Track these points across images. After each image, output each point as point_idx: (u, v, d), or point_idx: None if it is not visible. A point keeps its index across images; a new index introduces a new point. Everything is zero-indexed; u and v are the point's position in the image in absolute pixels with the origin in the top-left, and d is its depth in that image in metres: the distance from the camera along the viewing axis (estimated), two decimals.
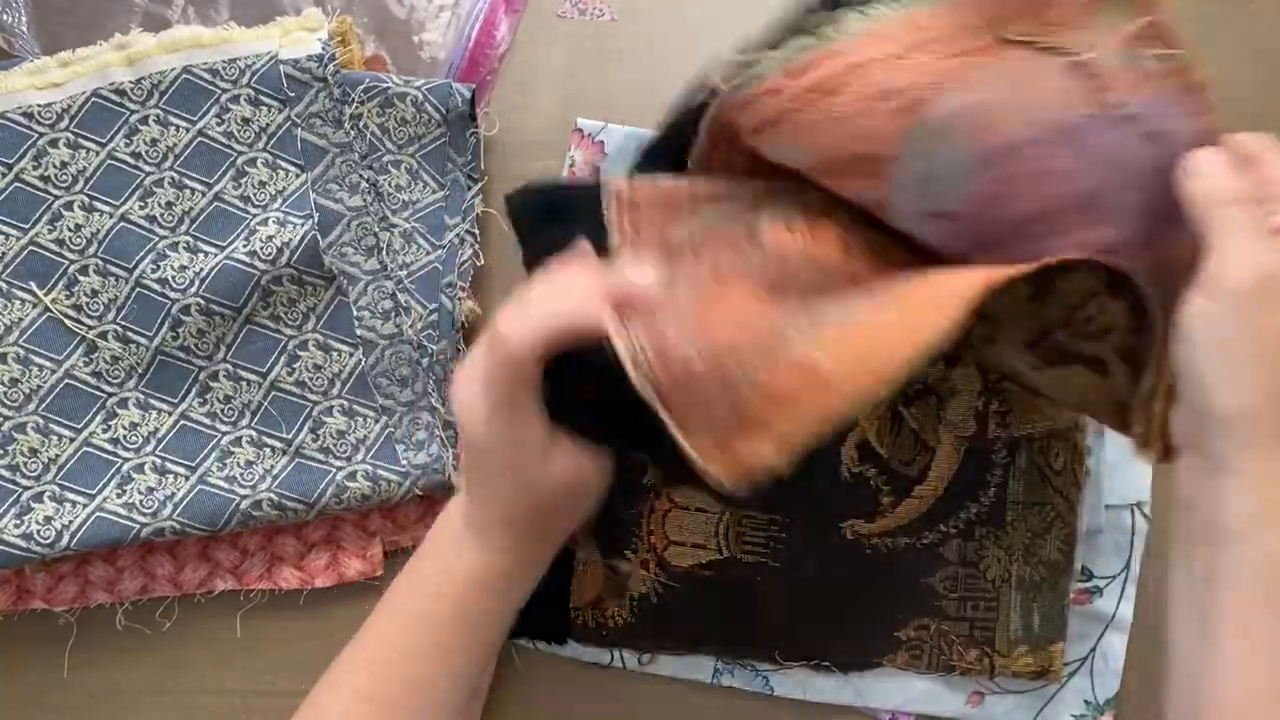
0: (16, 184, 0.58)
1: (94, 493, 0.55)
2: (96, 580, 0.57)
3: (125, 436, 0.56)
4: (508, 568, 0.47)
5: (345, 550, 0.58)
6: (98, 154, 0.58)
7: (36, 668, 0.58)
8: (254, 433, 0.57)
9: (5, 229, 0.57)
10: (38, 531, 0.54)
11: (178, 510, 0.55)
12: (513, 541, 0.47)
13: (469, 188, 0.60)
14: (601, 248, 0.45)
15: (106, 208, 0.58)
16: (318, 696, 0.47)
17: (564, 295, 0.42)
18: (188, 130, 0.59)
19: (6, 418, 0.56)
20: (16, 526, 0.54)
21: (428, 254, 0.59)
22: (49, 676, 0.58)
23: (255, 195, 0.58)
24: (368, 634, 0.48)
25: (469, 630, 0.48)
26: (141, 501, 0.55)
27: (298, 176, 0.58)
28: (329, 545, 0.58)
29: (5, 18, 0.61)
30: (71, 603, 0.57)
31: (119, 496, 0.55)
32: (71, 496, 0.55)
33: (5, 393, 0.56)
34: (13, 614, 0.57)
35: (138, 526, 0.55)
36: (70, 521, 0.55)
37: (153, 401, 0.57)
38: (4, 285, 0.57)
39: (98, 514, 0.55)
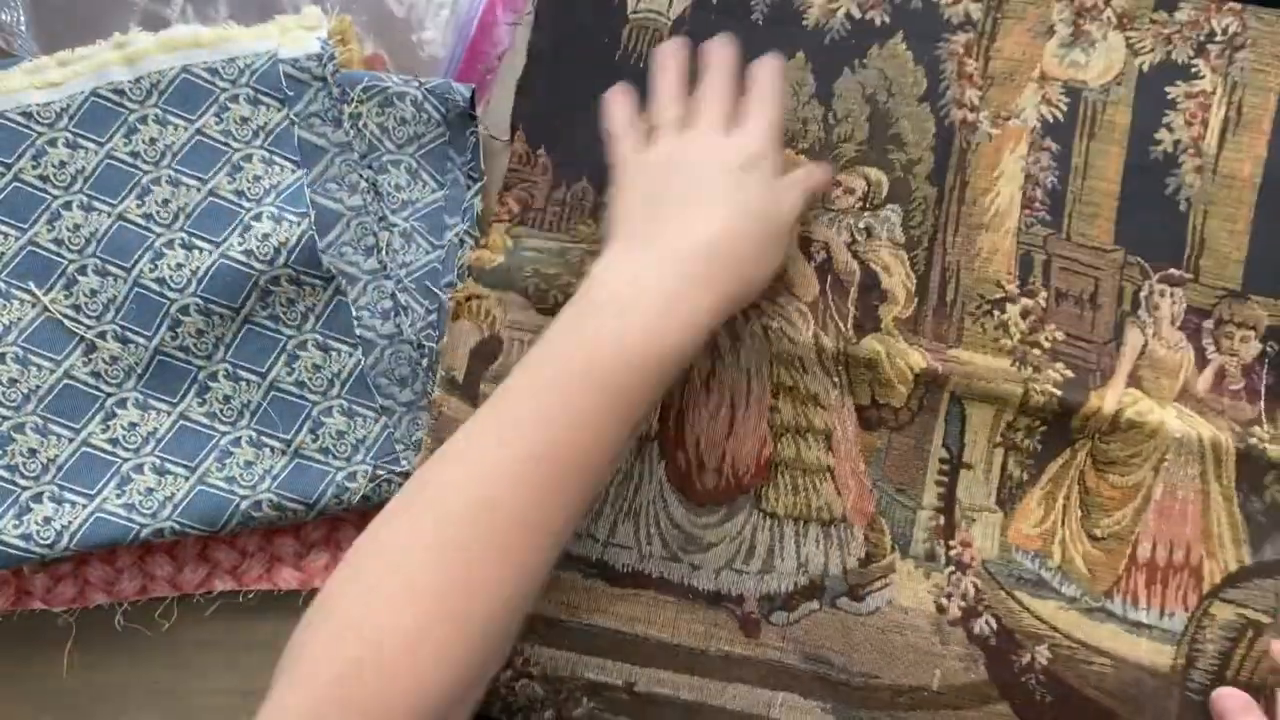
0: (15, 184, 0.58)
1: (93, 493, 0.55)
2: (95, 580, 0.57)
3: (124, 437, 0.56)
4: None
5: (345, 550, 0.57)
6: (96, 153, 0.58)
7: (36, 668, 0.57)
8: (253, 433, 0.57)
9: (4, 229, 0.57)
10: (37, 532, 0.54)
11: (177, 511, 0.55)
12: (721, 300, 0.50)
13: (469, 187, 0.60)
14: None
15: (105, 207, 0.58)
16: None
17: None
18: (186, 129, 0.58)
19: (5, 418, 0.56)
20: (15, 527, 0.54)
21: (427, 254, 0.59)
22: (48, 676, 0.57)
23: (249, 190, 0.58)
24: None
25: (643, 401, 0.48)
26: (141, 502, 0.55)
27: (293, 172, 0.58)
28: (328, 545, 0.58)
29: (4, 17, 0.61)
30: (70, 603, 0.57)
31: (118, 497, 0.55)
32: (71, 497, 0.55)
33: (4, 393, 0.56)
34: (12, 614, 0.57)
35: (137, 527, 0.55)
36: (70, 522, 0.55)
37: (152, 402, 0.57)
38: (2, 285, 0.57)
39: (97, 515, 0.55)
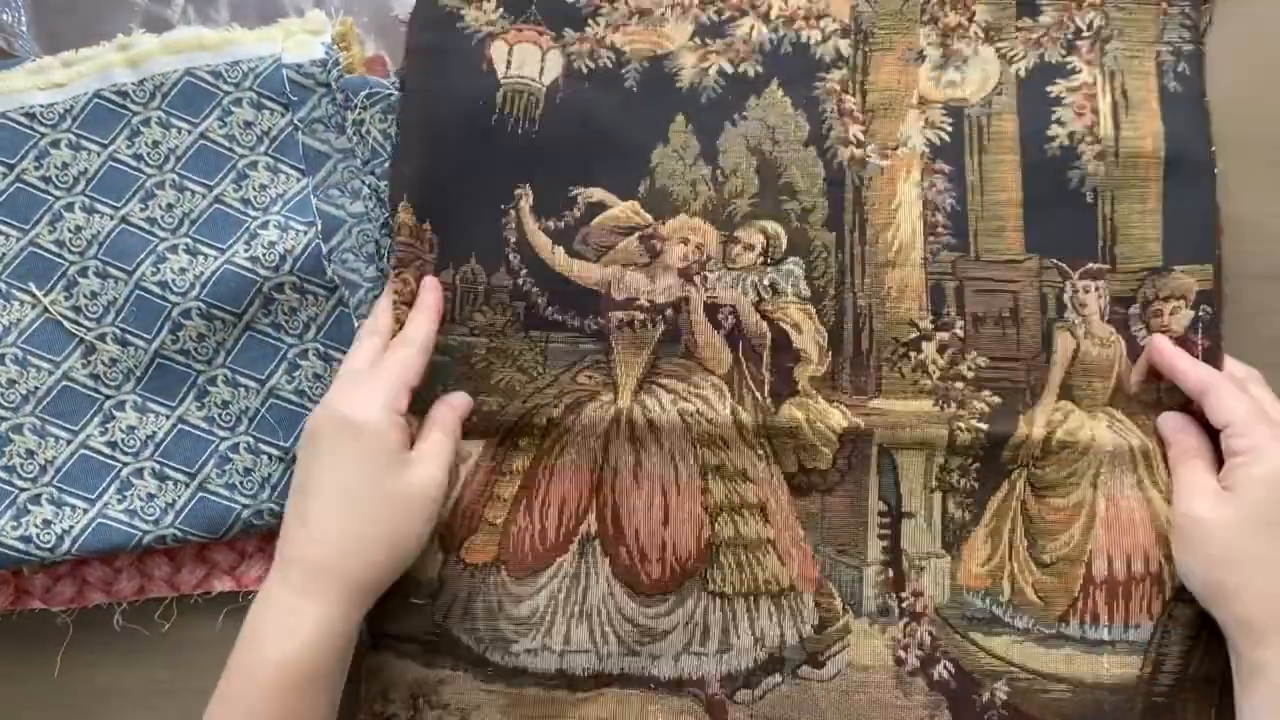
0: (18, 184, 0.58)
1: (94, 498, 0.56)
2: (94, 580, 0.58)
3: (123, 440, 0.57)
4: (345, 623, 0.49)
5: None
6: (99, 155, 0.58)
7: (35, 668, 0.58)
8: (251, 439, 0.57)
9: (5, 229, 0.58)
10: (37, 535, 0.55)
11: (180, 518, 0.56)
12: (348, 590, 0.49)
13: None
14: None
15: (107, 209, 0.58)
16: None
17: None
18: (189, 132, 0.59)
19: (3, 419, 0.56)
20: (14, 528, 0.55)
21: None
22: (48, 676, 0.58)
23: (255, 198, 0.58)
24: None
25: (319, 693, 0.48)
26: (143, 508, 0.56)
27: (298, 180, 0.59)
28: None
29: (5, 17, 0.61)
30: (69, 603, 0.57)
31: (120, 503, 0.56)
32: (70, 500, 0.56)
33: (2, 393, 0.56)
34: (11, 614, 0.58)
35: (139, 534, 0.56)
36: (71, 527, 0.55)
37: (150, 404, 0.57)
38: (3, 286, 0.58)
39: (99, 520, 0.56)
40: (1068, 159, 0.58)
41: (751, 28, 0.60)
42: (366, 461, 0.50)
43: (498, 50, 0.59)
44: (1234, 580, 0.49)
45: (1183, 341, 0.56)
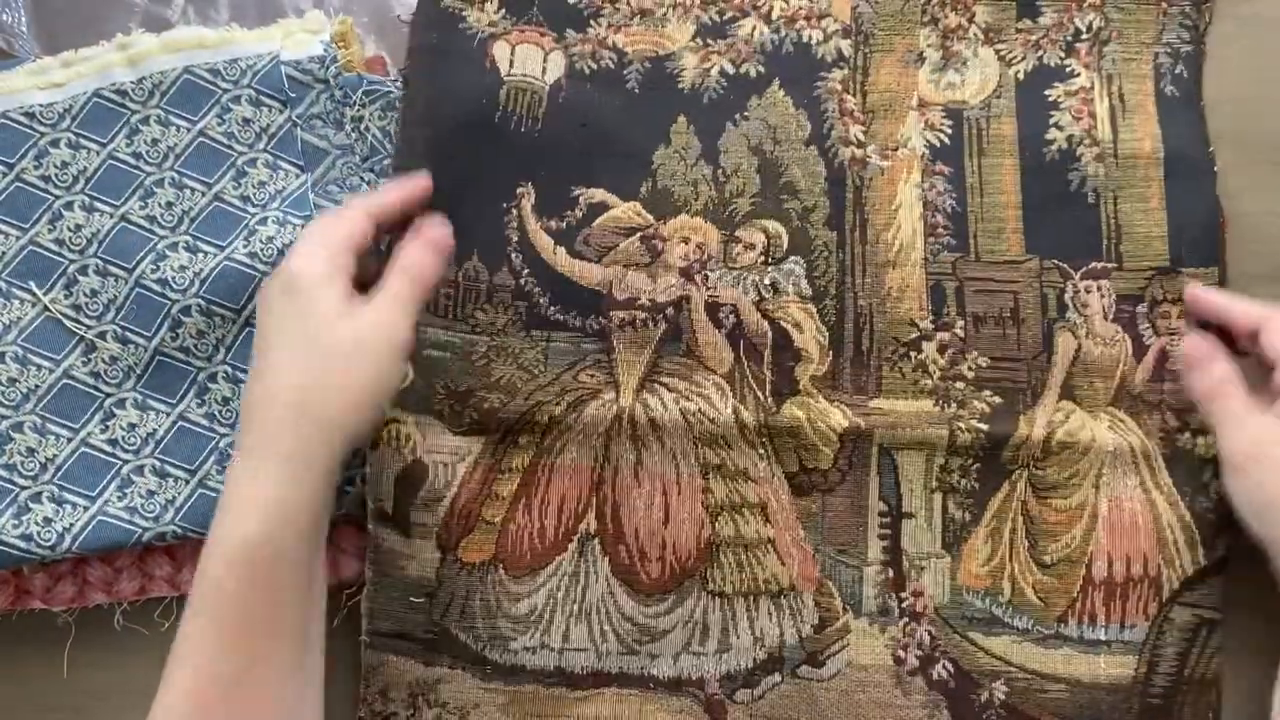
0: (17, 184, 0.58)
1: (94, 495, 0.56)
2: (94, 580, 0.58)
3: (124, 438, 0.57)
4: (305, 487, 0.47)
5: (344, 551, 0.58)
6: (98, 154, 0.58)
7: (35, 668, 0.58)
8: None
9: (5, 228, 0.58)
10: (38, 533, 0.55)
11: (179, 515, 0.56)
12: (303, 445, 0.47)
13: None
14: None
15: (107, 208, 0.58)
16: None
17: None
18: (189, 130, 0.59)
19: (4, 417, 0.56)
20: (15, 527, 0.55)
21: None
22: (48, 676, 0.58)
23: (255, 195, 0.58)
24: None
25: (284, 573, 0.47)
26: (143, 505, 0.56)
27: (297, 177, 0.59)
28: (327, 546, 0.56)
29: (5, 18, 0.61)
30: (70, 603, 0.57)
31: (120, 500, 0.56)
32: (71, 498, 0.56)
33: (3, 392, 0.56)
34: (11, 613, 0.58)
35: (140, 530, 0.56)
36: (71, 524, 0.55)
37: (150, 402, 0.57)
38: (3, 285, 0.57)
39: (99, 517, 0.55)
40: (1067, 161, 0.58)
41: (753, 28, 0.60)
42: (310, 313, 0.48)
43: (500, 50, 0.59)
44: None
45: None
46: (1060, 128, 0.58)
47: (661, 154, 0.59)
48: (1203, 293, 0.55)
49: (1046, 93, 0.59)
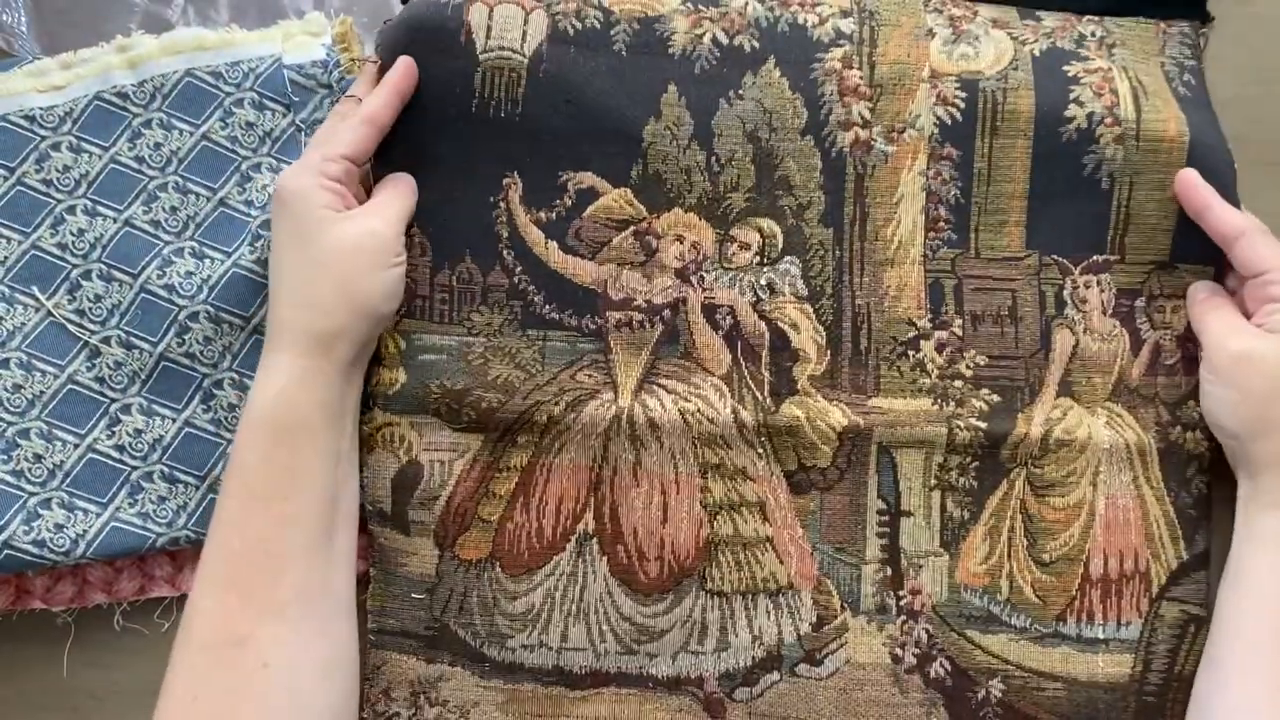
0: (18, 187, 0.58)
1: (105, 501, 0.56)
2: (94, 580, 0.58)
3: (131, 444, 0.57)
4: (317, 375, 0.51)
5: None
6: (100, 157, 0.58)
7: (36, 668, 0.58)
8: None
9: (7, 233, 0.58)
10: (50, 539, 0.55)
11: (192, 520, 0.56)
12: (310, 340, 0.51)
13: None
14: None
15: (110, 212, 0.58)
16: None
17: None
18: (191, 134, 0.59)
19: (10, 423, 0.56)
20: (25, 533, 0.55)
21: None
22: (48, 676, 0.58)
23: (259, 199, 0.58)
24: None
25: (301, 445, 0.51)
26: (155, 511, 0.56)
27: None
28: None
29: (5, 18, 0.61)
30: (70, 603, 0.57)
31: (132, 506, 0.56)
32: (82, 505, 0.56)
33: (8, 398, 0.56)
34: (11, 614, 0.58)
35: (153, 536, 0.56)
36: (85, 531, 0.55)
37: (156, 408, 0.57)
38: (6, 290, 0.57)
39: (113, 524, 0.56)
40: (1085, 142, 0.56)
41: (746, 2, 0.58)
42: (298, 225, 0.52)
43: (477, 14, 0.56)
44: (1278, 413, 0.51)
45: (1183, 341, 0.56)
46: (1081, 103, 0.56)
47: (652, 129, 0.57)
48: (1193, 179, 0.55)
49: (1065, 68, 0.57)
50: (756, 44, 0.57)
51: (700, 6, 0.58)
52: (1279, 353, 0.51)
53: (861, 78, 0.57)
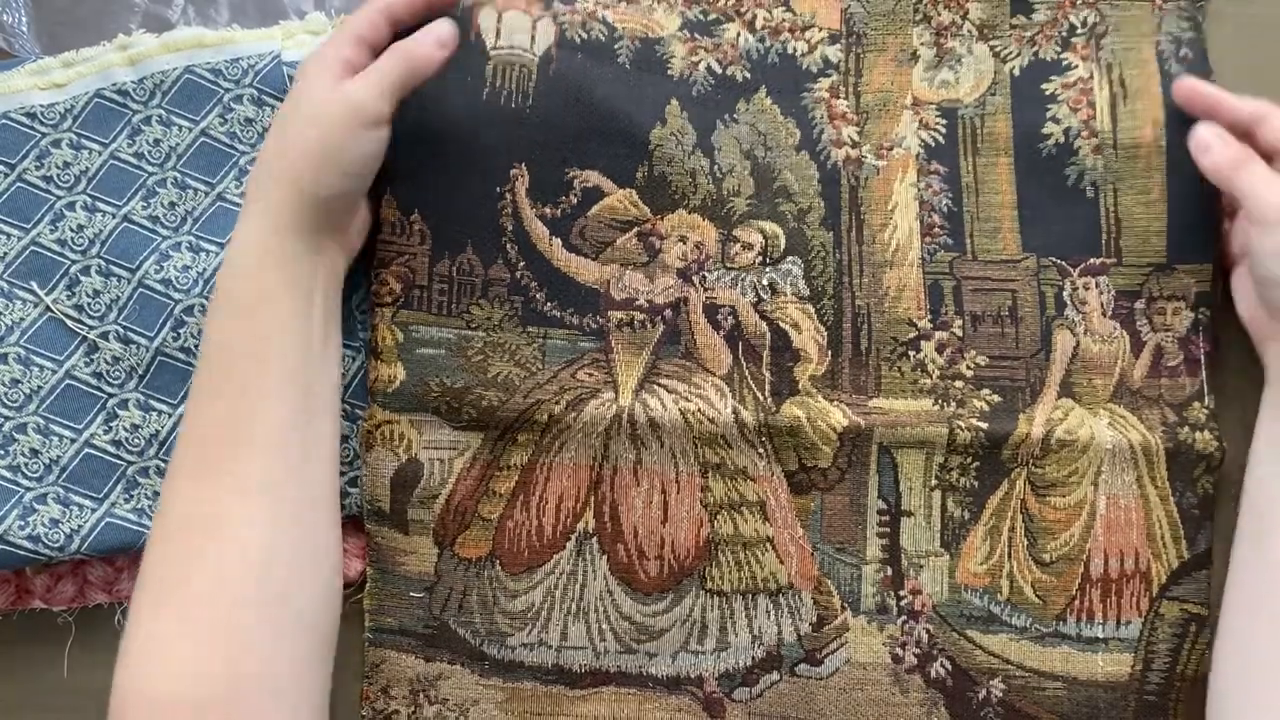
0: (19, 184, 0.58)
1: (101, 497, 0.56)
2: (95, 580, 0.58)
3: (127, 438, 0.56)
4: (276, 234, 0.51)
5: (346, 553, 0.57)
6: (100, 154, 0.59)
7: (36, 668, 0.58)
8: None
9: (7, 229, 0.58)
10: (45, 534, 0.55)
11: None
12: (276, 194, 0.50)
13: None
14: None
15: (109, 208, 0.58)
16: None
17: None
18: (190, 130, 0.59)
19: (7, 418, 0.56)
20: (21, 528, 0.55)
21: None
22: (49, 676, 0.58)
23: None
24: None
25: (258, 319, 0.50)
26: (150, 507, 0.56)
27: None
28: None
29: (5, 18, 0.61)
30: (70, 602, 0.57)
31: (127, 502, 0.56)
32: (78, 500, 0.56)
33: (5, 393, 0.56)
34: (11, 613, 0.58)
35: (148, 532, 0.55)
36: (80, 526, 0.55)
37: (153, 403, 0.57)
38: (5, 285, 0.57)
39: (108, 519, 0.56)
40: (1064, 156, 0.58)
41: (738, 34, 0.59)
42: (300, 95, 0.52)
43: (486, 17, 0.58)
44: None
45: (1185, 343, 0.57)
46: (1057, 120, 0.58)
47: (659, 134, 0.58)
48: (1195, 85, 0.55)
49: (1043, 86, 0.59)
50: (748, 74, 0.59)
51: (696, 35, 0.59)
52: None
53: (848, 106, 0.59)
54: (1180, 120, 0.57)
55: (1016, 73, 0.59)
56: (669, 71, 0.59)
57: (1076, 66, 0.58)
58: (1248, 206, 0.52)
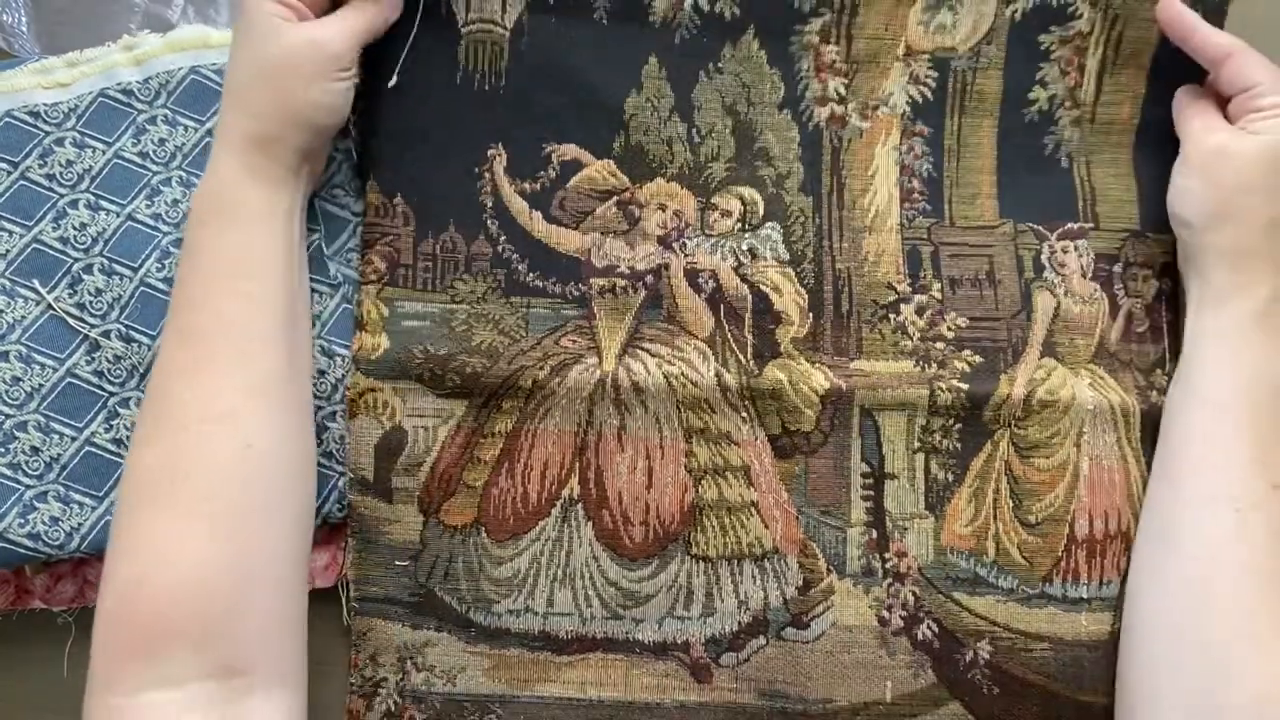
0: (21, 182, 0.58)
1: (101, 495, 0.56)
2: (95, 580, 0.57)
3: (128, 438, 0.56)
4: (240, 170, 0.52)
5: (344, 549, 0.57)
6: (104, 153, 0.59)
7: (36, 668, 0.58)
8: None
9: (9, 226, 0.58)
10: (45, 532, 0.55)
11: None
12: (239, 137, 0.52)
13: None
14: None
15: (113, 207, 0.58)
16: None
17: None
18: (196, 130, 0.59)
19: (8, 416, 0.56)
20: (21, 526, 0.55)
21: None
22: (48, 676, 0.58)
23: None
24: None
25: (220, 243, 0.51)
26: None
27: None
28: (329, 545, 0.58)
29: (5, 18, 0.62)
30: (70, 603, 0.57)
31: None
32: (78, 498, 0.56)
33: (6, 390, 0.56)
34: (11, 613, 0.58)
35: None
36: (80, 524, 0.55)
37: None
38: (7, 283, 0.58)
39: (108, 518, 0.55)
40: (1045, 124, 0.58)
41: None
42: (249, 30, 0.52)
43: None
44: (1239, 205, 0.52)
45: (1150, 310, 0.57)
46: (1045, 85, 0.58)
47: (633, 102, 0.58)
48: (1176, 9, 0.55)
49: (1041, 39, 0.58)
50: (738, 10, 0.58)
51: None
52: (1254, 150, 0.52)
53: (838, 53, 0.58)
54: (1161, 96, 0.57)
55: (1019, 16, 0.58)
56: (651, 18, 0.58)
57: (1082, 15, 0.58)
58: (1184, 143, 0.55)
